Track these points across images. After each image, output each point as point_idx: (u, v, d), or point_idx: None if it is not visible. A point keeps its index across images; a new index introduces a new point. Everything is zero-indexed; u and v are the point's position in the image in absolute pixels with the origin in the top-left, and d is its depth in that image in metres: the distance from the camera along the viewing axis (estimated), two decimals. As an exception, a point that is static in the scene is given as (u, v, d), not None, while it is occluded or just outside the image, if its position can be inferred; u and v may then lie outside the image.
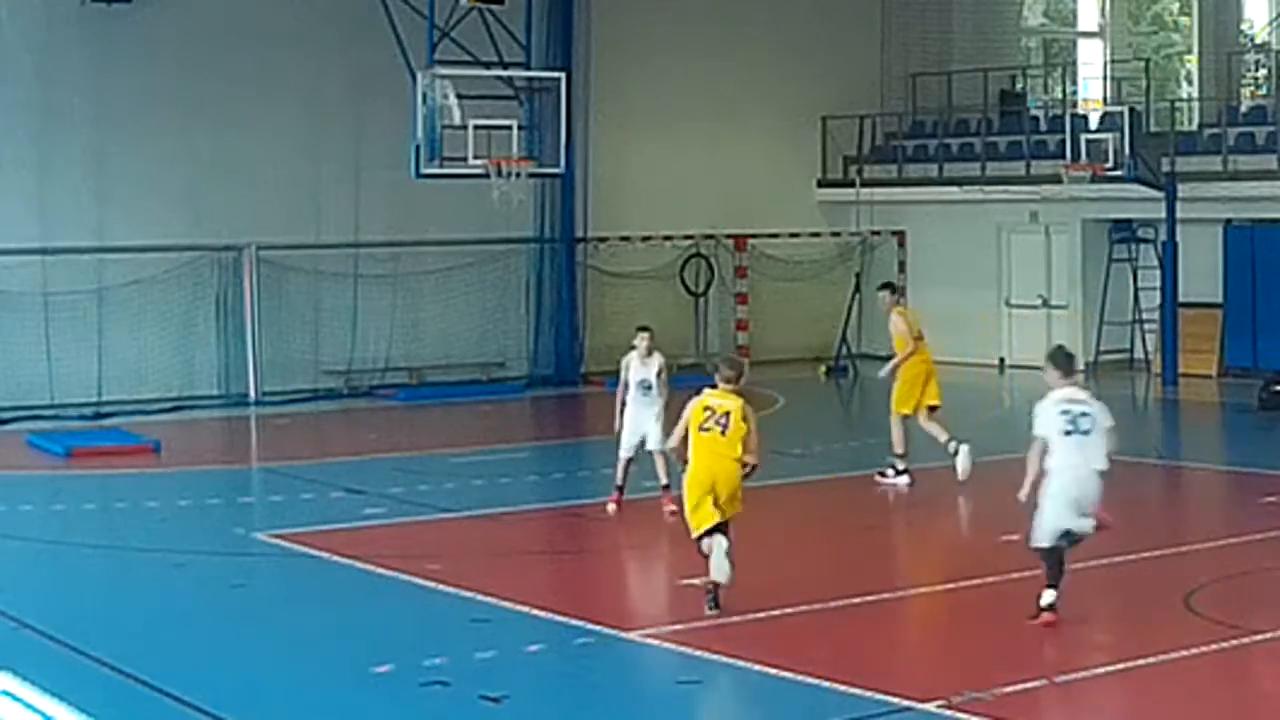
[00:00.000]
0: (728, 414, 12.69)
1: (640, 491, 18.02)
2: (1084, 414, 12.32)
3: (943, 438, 18.39)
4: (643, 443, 16.63)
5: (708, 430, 12.70)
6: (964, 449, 18.08)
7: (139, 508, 17.60)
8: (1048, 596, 12.11)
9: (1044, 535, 12.21)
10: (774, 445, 20.85)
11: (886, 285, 20.10)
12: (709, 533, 12.54)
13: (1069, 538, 12.25)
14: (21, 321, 24.87)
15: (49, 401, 24.72)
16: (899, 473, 18.47)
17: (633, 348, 16.95)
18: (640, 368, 16.83)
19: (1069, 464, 12.24)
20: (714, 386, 12.95)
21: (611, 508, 16.81)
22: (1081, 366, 12.82)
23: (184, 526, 16.88)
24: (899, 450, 18.48)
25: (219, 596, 13.84)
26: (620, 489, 16.81)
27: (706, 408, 12.80)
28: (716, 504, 12.55)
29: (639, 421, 16.63)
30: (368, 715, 10.59)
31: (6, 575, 14.80)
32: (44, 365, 24.91)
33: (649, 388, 16.63)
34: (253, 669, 11.59)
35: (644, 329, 17.00)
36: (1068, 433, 12.27)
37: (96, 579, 14.79)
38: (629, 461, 16.79)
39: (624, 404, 16.81)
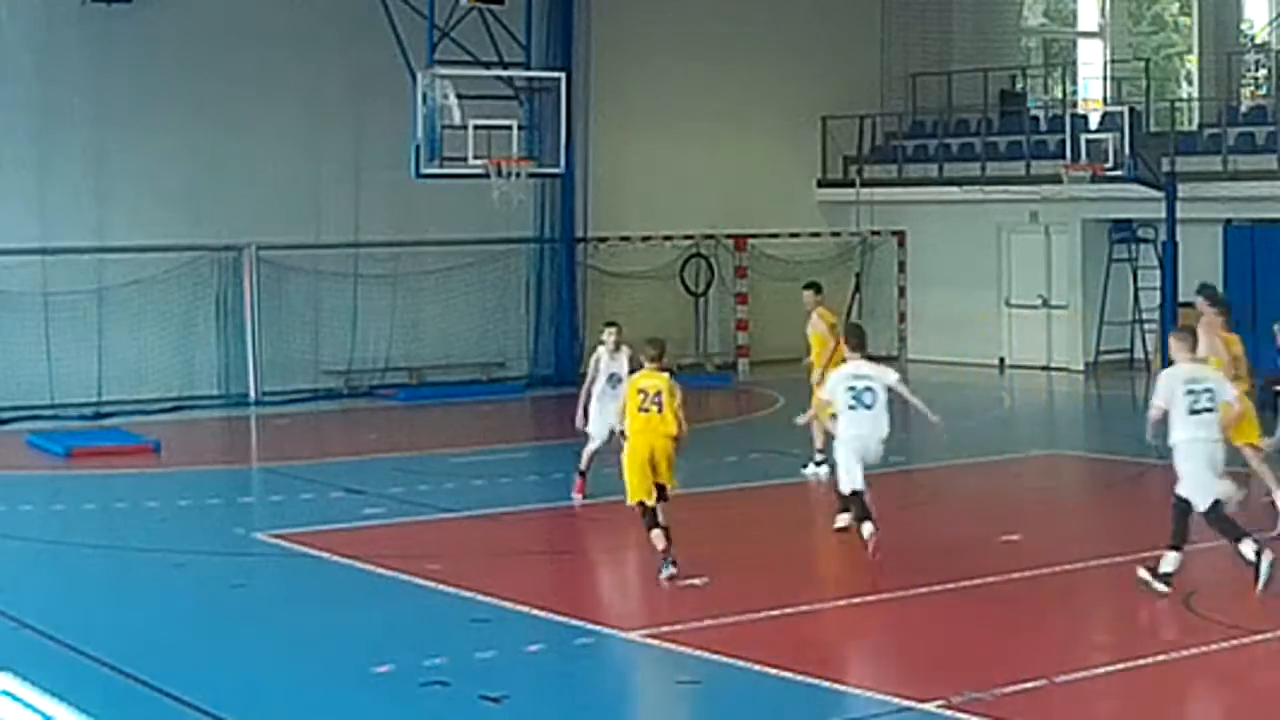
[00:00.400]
0: (659, 393, 14.11)
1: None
2: (868, 389, 14.26)
3: (819, 443, 18.42)
4: (612, 435, 16.78)
5: (646, 411, 14.10)
6: (820, 470, 18.46)
7: (139, 508, 17.60)
8: (866, 530, 14.04)
9: (846, 485, 14.36)
10: (774, 445, 20.88)
11: (811, 285, 20.43)
12: (650, 510, 14.03)
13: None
14: (21, 321, 24.87)
15: (49, 401, 24.72)
16: (819, 464, 18.68)
17: (601, 343, 17.43)
18: (610, 362, 17.27)
19: (857, 434, 14.29)
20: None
21: (577, 498, 17.28)
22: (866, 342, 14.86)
23: (184, 526, 16.88)
24: (819, 445, 18.56)
25: (219, 596, 13.84)
26: (583, 474, 17.29)
27: (640, 390, 14.24)
28: (655, 474, 14.01)
29: (609, 414, 16.77)
30: (368, 715, 10.60)
31: (6, 575, 14.80)
32: (44, 365, 24.91)
33: (619, 381, 16.74)
34: (253, 669, 11.59)
35: (611, 324, 17.64)
36: (851, 406, 14.28)
37: (96, 579, 14.79)
38: (595, 453, 17.31)
39: (589, 397, 17.29)
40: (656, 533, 13.98)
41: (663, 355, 14.56)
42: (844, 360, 15.03)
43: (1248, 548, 13.04)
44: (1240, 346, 16.63)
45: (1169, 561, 13.08)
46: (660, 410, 14.03)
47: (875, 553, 13.88)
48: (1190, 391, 13.07)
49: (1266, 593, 12.80)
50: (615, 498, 17.24)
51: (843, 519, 15.01)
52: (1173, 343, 13.51)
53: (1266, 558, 12.92)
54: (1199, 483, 13.10)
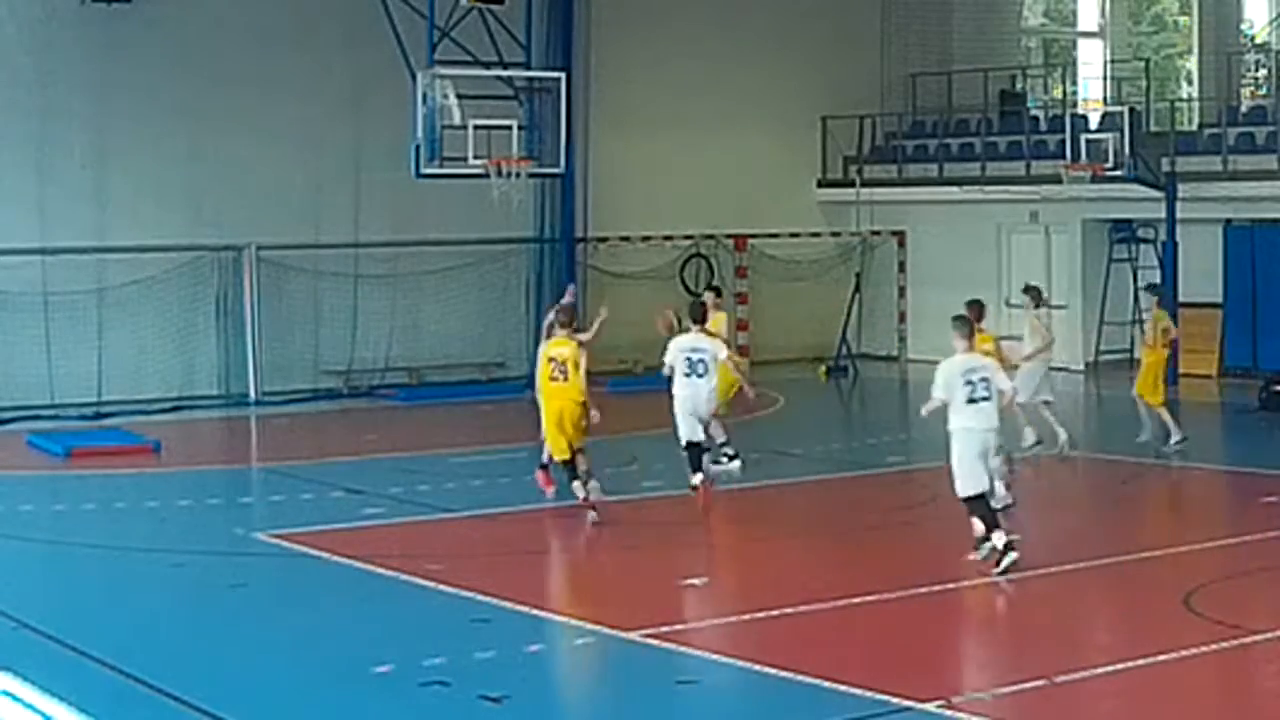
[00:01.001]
0: (566, 361, 15.97)
1: (639, 492, 18.06)
2: (701, 360, 16.55)
3: (721, 439, 18.96)
4: None
5: (556, 380, 16.04)
6: (734, 465, 19.03)
7: (139, 508, 17.59)
8: (696, 479, 16.37)
9: (685, 437, 16.56)
10: (774, 445, 20.88)
11: (713, 288, 20.98)
12: (570, 469, 16.05)
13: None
14: (21, 321, 24.87)
15: (49, 401, 24.71)
16: (730, 459, 19.13)
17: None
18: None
19: (691, 394, 16.55)
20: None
21: (550, 490, 17.54)
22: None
23: (184, 526, 16.88)
24: (724, 439, 19.05)
25: (219, 596, 13.84)
26: (544, 467, 17.62)
27: (550, 359, 16.11)
28: (564, 434, 15.98)
29: None
30: (368, 715, 10.59)
31: (6, 575, 14.81)
32: (44, 365, 24.90)
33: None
34: (253, 669, 11.59)
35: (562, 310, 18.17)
36: (687, 374, 16.54)
37: (96, 579, 14.78)
38: None
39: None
40: (576, 484, 16.05)
41: (573, 322, 16.56)
42: (686, 331, 17.12)
43: (999, 538, 13.55)
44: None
45: (998, 537, 13.63)
46: (567, 379, 15.94)
47: (704, 499, 16.29)
48: (968, 381, 13.77)
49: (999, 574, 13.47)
50: (616, 498, 17.26)
51: (695, 478, 16.58)
52: (954, 334, 14.19)
53: (1012, 554, 13.47)
54: (968, 470, 13.75)
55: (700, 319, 17.08)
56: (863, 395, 28.71)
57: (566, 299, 19.16)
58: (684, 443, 16.62)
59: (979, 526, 13.90)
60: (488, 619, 12.75)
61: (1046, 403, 20.03)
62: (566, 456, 16.11)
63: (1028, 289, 21.11)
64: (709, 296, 19.90)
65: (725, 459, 19.09)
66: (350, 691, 10.94)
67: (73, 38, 24.96)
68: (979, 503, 13.80)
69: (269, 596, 14.00)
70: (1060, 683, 10.80)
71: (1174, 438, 20.34)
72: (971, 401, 13.74)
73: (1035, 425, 19.86)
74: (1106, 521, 16.99)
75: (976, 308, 16.74)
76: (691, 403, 16.59)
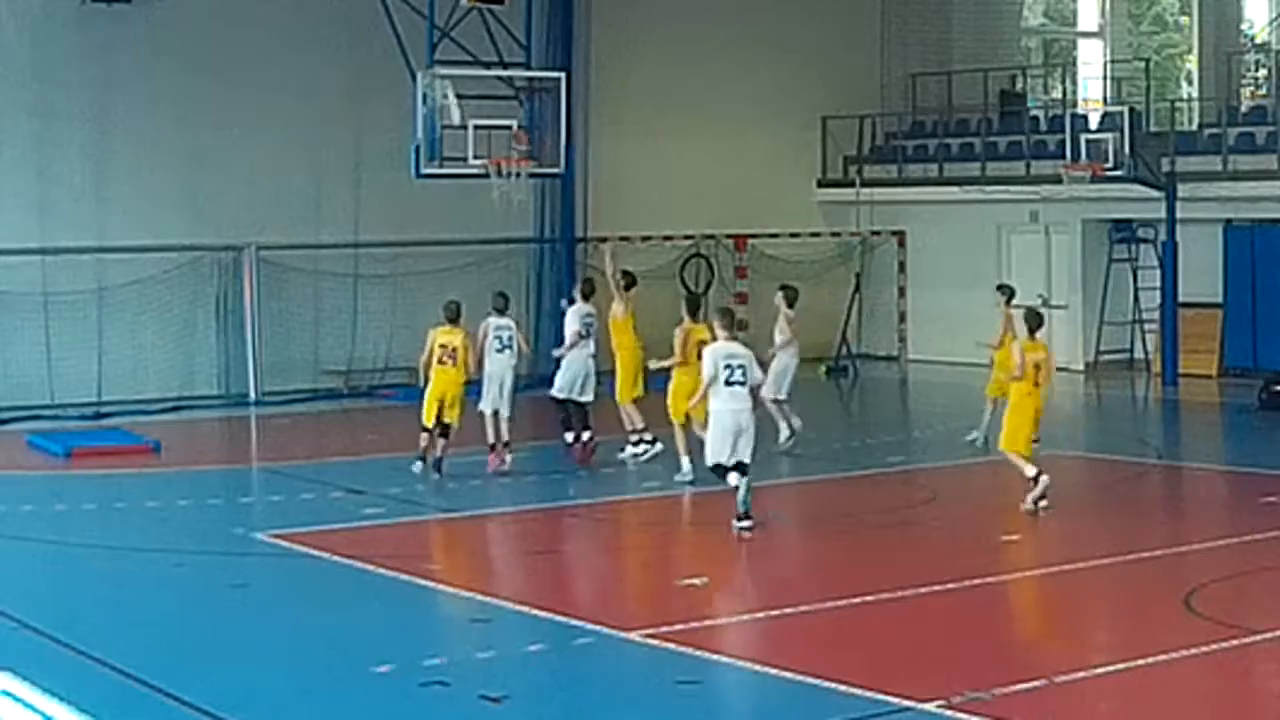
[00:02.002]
0: (455, 349, 18.42)
1: (639, 492, 18.06)
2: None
3: (640, 425, 19.70)
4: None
5: (444, 364, 18.45)
6: (653, 449, 19.51)
7: (139, 508, 17.59)
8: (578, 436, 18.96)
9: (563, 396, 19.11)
10: (773, 445, 20.86)
11: (629, 282, 21.19)
12: (432, 433, 18.53)
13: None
14: (21, 321, 24.87)
15: (49, 401, 24.71)
16: (649, 443, 19.61)
17: (489, 313, 19.49)
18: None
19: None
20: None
21: (498, 462, 18.92)
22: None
23: (184, 526, 16.87)
24: (639, 425, 19.65)
25: (219, 596, 13.83)
26: (493, 447, 18.99)
27: (441, 345, 18.54)
28: (445, 413, 18.48)
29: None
30: (368, 715, 10.59)
31: (6, 575, 14.81)
32: (44, 365, 24.90)
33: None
34: (253, 669, 11.58)
35: (501, 294, 20.04)
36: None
37: (96, 579, 14.78)
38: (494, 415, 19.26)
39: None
40: (436, 441, 18.58)
41: (459, 317, 18.72)
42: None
43: (734, 478, 15.45)
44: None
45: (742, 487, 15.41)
46: (455, 364, 18.42)
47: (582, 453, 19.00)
48: (729, 366, 15.50)
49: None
50: (615, 498, 17.28)
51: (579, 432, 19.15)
52: (715, 323, 16.21)
53: (744, 486, 15.38)
54: (718, 444, 15.55)
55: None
56: (863, 395, 28.69)
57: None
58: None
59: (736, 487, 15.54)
60: (488, 619, 12.75)
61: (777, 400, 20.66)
62: (431, 424, 18.49)
63: (1000, 287, 21.80)
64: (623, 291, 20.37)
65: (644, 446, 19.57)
66: (350, 691, 10.94)
67: (73, 38, 24.96)
68: (719, 471, 15.63)
69: (269, 596, 13.99)
70: (1060, 683, 10.80)
71: (976, 435, 20.68)
72: (729, 384, 15.48)
73: (785, 419, 20.67)
74: (1106, 521, 16.98)
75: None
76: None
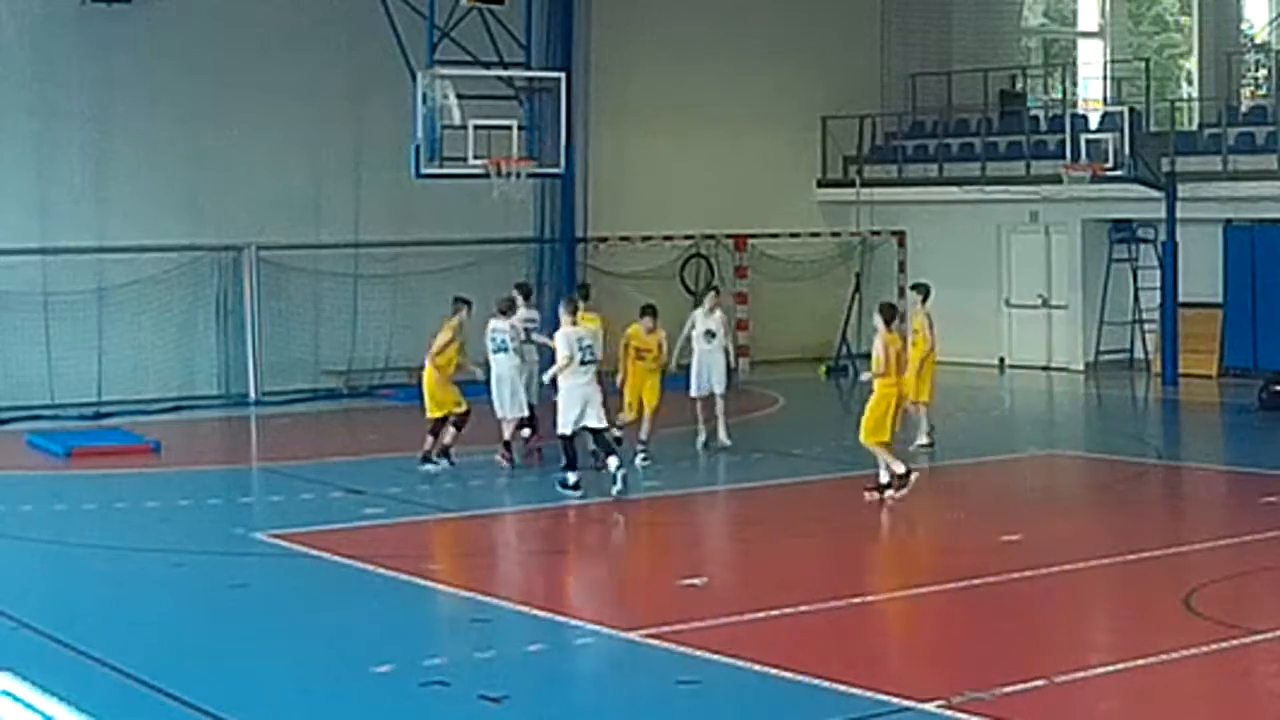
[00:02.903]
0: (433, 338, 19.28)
1: (638, 492, 18.05)
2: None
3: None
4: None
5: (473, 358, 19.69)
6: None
7: (139, 508, 17.59)
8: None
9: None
10: (774, 445, 20.88)
11: (583, 291, 21.84)
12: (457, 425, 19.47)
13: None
14: (21, 321, 24.88)
15: (49, 401, 24.72)
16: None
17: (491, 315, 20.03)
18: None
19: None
20: None
21: (507, 463, 19.51)
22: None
23: (184, 526, 16.87)
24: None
25: (219, 596, 13.84)
26: (507, 445, 19.68)
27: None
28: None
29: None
30: (368, 715, 10.59)
31: (6, 575, 14.81)
32: (44, 365, 24.91)
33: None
34: (253, 669, 11.59)
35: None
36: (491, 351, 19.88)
37: (96, 579, 14.78)
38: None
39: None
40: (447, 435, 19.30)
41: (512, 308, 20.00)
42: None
43: (613, 463, 17.26)
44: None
45: (571, 477, 17.39)
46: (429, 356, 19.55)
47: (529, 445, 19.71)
48: (582, 347, 17.52)
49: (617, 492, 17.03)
50: (614, 498, 17.26)
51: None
52: (561, 310, 18.39)
53: (621, 475, 17.15)
54: (568, 415, 17.43)
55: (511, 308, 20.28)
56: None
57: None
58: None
59: (610, 461, 17.34)
60: (488, 619, 12.76)
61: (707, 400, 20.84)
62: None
63: (916, 285, 21.82)
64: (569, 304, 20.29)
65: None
66: (350, 691, 10.94)
67: (73, 38, 24.97)
68: (568, 441, 17.43)
69: (269, 596, 14.00)
70: (1060, 683, 10.80)
71: (921, 440, 20.44)
72: (583, 364, 17.43)
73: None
74: (1106, 521, 16.98)
75: (889, 309, 18.04)
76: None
